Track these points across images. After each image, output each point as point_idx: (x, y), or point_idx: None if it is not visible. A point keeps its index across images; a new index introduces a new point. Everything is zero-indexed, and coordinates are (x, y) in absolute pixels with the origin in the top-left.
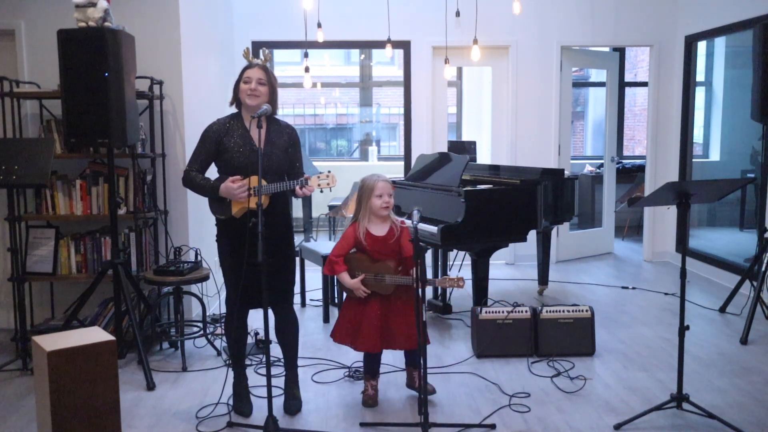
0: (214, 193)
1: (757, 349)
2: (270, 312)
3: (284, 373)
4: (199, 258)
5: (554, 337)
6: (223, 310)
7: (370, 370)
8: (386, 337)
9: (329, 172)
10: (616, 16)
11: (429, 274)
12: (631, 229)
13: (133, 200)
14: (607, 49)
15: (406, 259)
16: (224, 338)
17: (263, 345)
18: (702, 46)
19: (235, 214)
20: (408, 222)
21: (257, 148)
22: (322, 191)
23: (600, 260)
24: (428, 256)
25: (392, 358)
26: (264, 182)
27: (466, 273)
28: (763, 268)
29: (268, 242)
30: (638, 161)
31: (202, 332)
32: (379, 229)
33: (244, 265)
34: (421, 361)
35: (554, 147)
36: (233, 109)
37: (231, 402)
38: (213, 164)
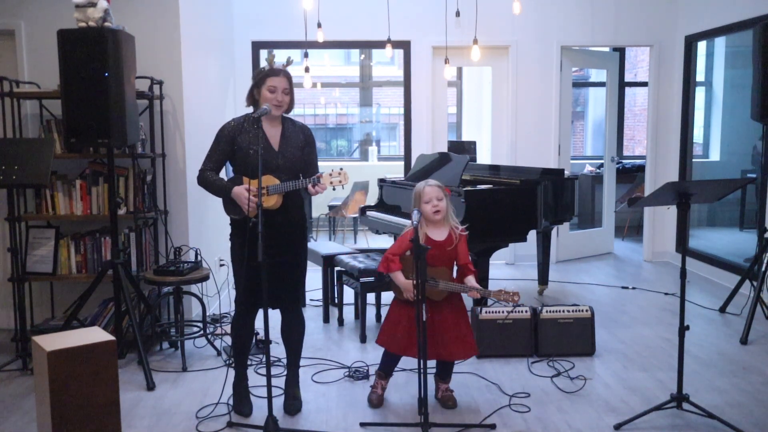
0: (226, 194)
1: (757, 349)
2: (275, 311)
3: (284, 373)
4: (199, 258)
5: (554, 337)
6: (224, 310)
7: (387, 368)
8: (436, 345)
9: (341, 169)
10: (616, 16)
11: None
12: (631, 229)
13: (133, 200)
14: (607, 49)
15: (461, 266)
16: (224, 338)
17: (263, 345)
18: (702, 46)
19: (250, 214)
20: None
21: (272, 148)
22: (334, 189)
23: (600, 260)
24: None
25: None
26: (277, 181)
27: None
28: (763, 268)
29: (281, 241)
30: (638, 161)
31: (202, 332)
32: (438, 234)
33: (245, 265)
34: (420, 362)
35: (554, 147)
36: (232, 107)
37: (231, 402)
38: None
